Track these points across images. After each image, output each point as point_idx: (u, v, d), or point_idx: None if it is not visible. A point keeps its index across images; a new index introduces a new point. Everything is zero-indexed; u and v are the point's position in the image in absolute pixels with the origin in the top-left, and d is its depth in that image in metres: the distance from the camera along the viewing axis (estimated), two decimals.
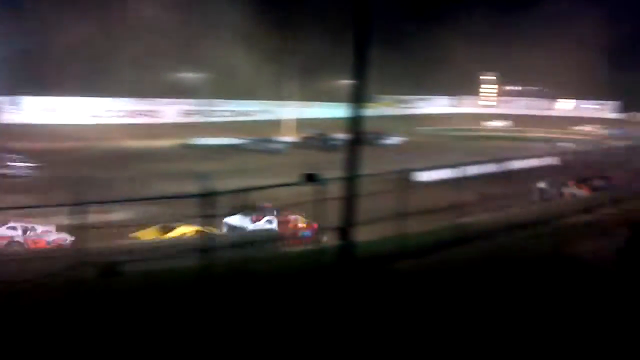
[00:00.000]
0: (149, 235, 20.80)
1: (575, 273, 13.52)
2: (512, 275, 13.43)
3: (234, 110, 77.46)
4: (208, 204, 11.16)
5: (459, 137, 71.18)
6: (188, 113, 73.47)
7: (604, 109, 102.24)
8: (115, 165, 38.80)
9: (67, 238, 19.04)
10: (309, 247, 14.86)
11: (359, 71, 10.45)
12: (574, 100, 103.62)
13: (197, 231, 16.29)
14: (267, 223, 22.07)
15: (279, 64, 66.35)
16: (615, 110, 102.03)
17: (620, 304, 10.57)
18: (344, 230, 11.06)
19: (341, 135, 50.58)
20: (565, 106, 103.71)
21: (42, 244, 20.37)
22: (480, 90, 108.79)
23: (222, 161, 43.03)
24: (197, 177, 12.13)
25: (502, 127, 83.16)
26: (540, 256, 15.33)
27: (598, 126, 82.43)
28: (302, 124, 65.44)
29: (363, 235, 16.12)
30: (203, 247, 11.76)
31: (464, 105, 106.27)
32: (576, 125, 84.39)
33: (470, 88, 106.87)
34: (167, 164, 41.15)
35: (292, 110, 65.38)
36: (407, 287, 12.56)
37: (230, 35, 66.86)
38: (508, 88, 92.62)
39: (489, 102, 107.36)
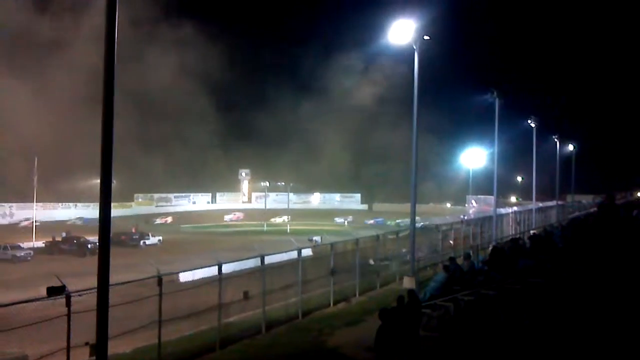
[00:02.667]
0: None
1: None
2: None
3: None
4: None
5: (219, 233, 71.65)
6: None
7: (349, 201, 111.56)
8: None
9: None
10: None
11: (106, 170, 9.85)
12: (321, 194, 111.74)
13: None
14: None
15: (18, 163, 61.33)
16: (359, 202, 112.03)
17: None
18: (97, 345, 9.96)
19: (93, 238, 47.67)
20: (314, 199, 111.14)
21: None
22: (238, 187, 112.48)
23: None
24: None
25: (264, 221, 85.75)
26: (303, 351, 15.58)
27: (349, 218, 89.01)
28: (49, 227, 60.54)
29: (122, 347, 14.91)
30: None
31: (222, 202, 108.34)
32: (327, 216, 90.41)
33: (227, 185, 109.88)
34: None
35: (36, 212, 59.93)
36: None
37: None
38: (262, 184, 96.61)
39: (245, 198, 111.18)
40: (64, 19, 75.25)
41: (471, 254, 22.54)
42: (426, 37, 25.13)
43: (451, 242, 34.11)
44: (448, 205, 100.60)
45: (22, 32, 72.10)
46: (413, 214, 26.17)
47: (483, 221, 40.06)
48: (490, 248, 24.95)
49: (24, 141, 63.05)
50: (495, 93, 37.24)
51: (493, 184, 40.73)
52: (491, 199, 45.74)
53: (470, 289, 15.86)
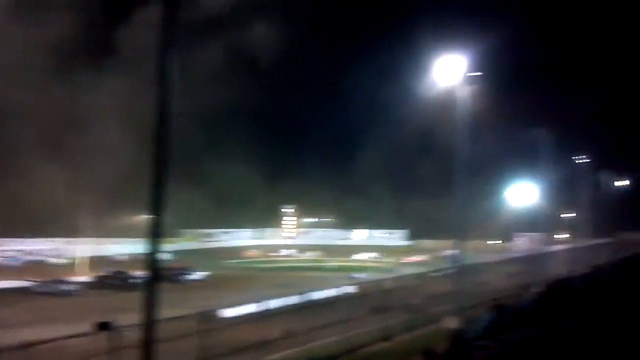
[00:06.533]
0: None
1: None
2: None
3: (20, 250, 71.40)
4: None
5: (262, 269, 71.82)
6: None
7: (394, 237, 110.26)
8: None
9: None
10: None
11: (156, 206, 10.05)
12: (366, 230, 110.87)
13: None
14: None
15: (68, 199, 62.90)
16: (404, 238, 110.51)
17: None
18: None
19: (140, 273, 48.30)
20: (358, 235, 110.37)
21: None
22: (282, 222, 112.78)
23: (5, 308, 38.67)
24: None
25: (307, 257, 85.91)
26: None
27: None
28: (96, 262, 61.77)
29: None
30: None
31: (267, 237, 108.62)
32: (368, 252, 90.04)
33: (271, 221, 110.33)
34: None
35: (84, 248, 61.12)
36: None
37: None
38: (306, 220, 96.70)
39: (290, 234, 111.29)
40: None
41: (519, 292, 22.03)
42: (474, 74, 25.11)
43: (498, 281, 33.44)
44: (495, 242, 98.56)
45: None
46: (458, 252, 25.80)
47: (531, 259, 39.24)
48: (538, 287, 24.31)
49: (75, 178, 64.83)
50: (544, 129, 36.89)
51: (541, 221, 39.96)
52: (539, 236, 44.78)
53: (518, 329, 15.43)
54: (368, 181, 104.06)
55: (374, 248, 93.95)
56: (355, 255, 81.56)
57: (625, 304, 15.65)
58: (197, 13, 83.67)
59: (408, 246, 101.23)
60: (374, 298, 21.72)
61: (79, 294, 46.99)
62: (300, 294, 18.07)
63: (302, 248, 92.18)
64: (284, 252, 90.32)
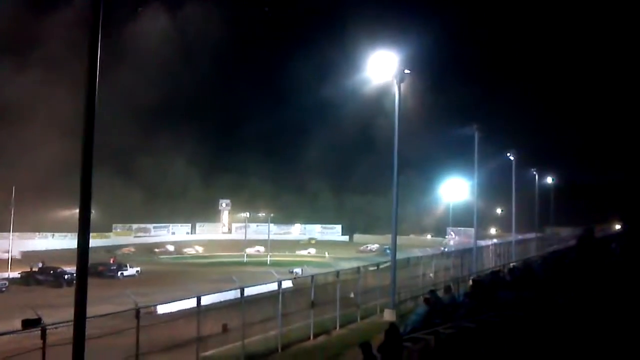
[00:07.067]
0: None
1: None
2: None
3: None
4: None
5: (198, 264, 70.96)
6: None
7: (330, 232, 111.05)
8: None
9: None
10: None
11: (85, 200, 9.75)
12: (302, 225, 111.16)
13: None
14: None
15: None
16: (339, 233, 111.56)
17: None
18: None
19: (70, 269, 46.86)
20: (294, 230, 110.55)
21: None
22: (218, 217, 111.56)
23: None
24: None
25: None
26: None
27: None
28: (25, 257, 59.57)
29: None
30: None
31: (202, 232, 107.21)
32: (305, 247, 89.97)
33: (207, 216, 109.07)
34: None
35: (12, 243, 58.65)
36: None
37: None
38: (241, 215, 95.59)
39: (225, 228, 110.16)
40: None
41: (452, 286, 22.54)
42: (407, 71, 25.42)
43: (431, 275, 34.13)
44: (428, 237, 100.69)
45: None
46: (394, 245, 26.19)
47: (463, 253, 40.18)
48: (470, 280, 24.97)
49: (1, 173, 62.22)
50: (475, 126, 37.77)
51: (473, 216, 40.98)
52: (471, 231, 45.96)
53: (451, 321, 15.79)
54: (306, 176, 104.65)
55: (262, 242, 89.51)
56: (248, 249, 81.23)
57: (553, 296, 16.28)
58: (132, 6, 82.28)
59: (310, 239, 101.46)
60: (312, 292, 21.73)
61: (6, 290, 45.24)
62: (237, 289, 17.88)
63: (191, 243, 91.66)
64: (169, 247, 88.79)
